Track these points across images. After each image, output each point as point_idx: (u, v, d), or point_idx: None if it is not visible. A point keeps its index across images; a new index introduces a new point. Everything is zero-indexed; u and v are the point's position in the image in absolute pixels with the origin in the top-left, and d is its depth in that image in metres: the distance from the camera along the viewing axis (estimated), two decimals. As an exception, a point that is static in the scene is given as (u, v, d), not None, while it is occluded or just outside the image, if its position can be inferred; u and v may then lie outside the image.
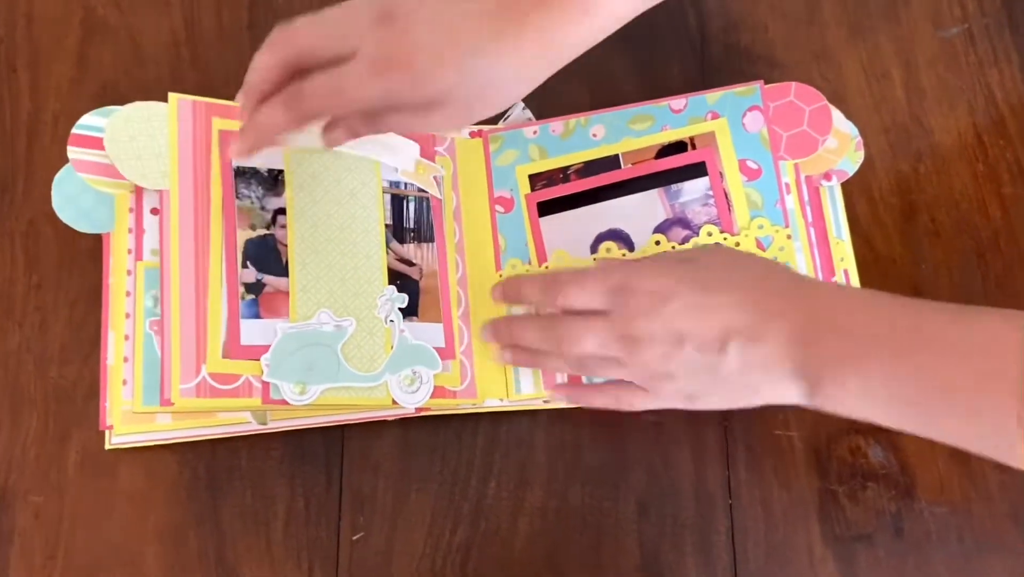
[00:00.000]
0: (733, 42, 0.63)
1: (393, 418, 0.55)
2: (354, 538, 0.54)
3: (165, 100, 0.60)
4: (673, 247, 0.56)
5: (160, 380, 0.50)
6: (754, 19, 0.64)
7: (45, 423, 0.55)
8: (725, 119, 0.58)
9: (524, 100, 0.62)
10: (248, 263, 0.52)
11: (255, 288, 0.52)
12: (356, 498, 0.55)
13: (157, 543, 0.54)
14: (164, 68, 0.61)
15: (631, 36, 0.62)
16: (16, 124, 0.60)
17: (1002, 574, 0.54)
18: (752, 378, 0.47)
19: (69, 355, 0.56)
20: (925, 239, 0.59)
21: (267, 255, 0.53)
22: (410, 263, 0.56)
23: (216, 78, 0.61)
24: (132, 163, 0.52)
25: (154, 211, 0.53)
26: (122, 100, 0.60)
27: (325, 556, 0.54)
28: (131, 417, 0.52)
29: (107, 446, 0.54)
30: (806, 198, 0.58)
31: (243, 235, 0.53)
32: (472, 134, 0.60)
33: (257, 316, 0.52)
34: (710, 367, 0.47)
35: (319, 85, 0.44)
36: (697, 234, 0.56)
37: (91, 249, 0.57)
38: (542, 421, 0.56)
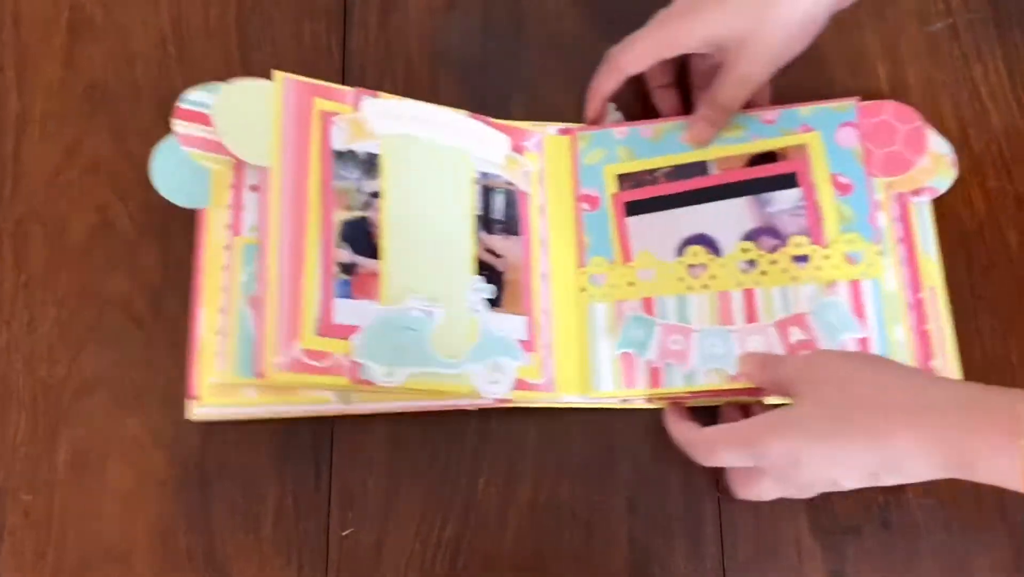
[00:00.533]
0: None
1: (471, 408, 0.55)
2: (344, 534, 0.55)
3: (154, 100, 0.61)
4: (761, 255, 0.56)
5: (253, 354, 0.51)
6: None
7: (34, 422, 0.55)
8: (818, 133, 0.58)
9: (509, 96, 0.62)
10: (343, 243, 0.53)
11: (349, 268, 0.53)
12: (346, 494, 0.55)
13: (146, 541, 0.54)
14: (152, 66, 0.61)
15: (616, 33, 0.63)
16: (4, 123, 0.60)
17: (989, 566, 0.55)
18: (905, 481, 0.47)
19: (57, 354, 0.56)
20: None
21: (361, 237, 0.53)
22: (497, 254, 0.56)
23: (204, 76, 0.61)
24: (238, 138, 0.52)
25: (254, 188, 0.54)
26: (110, 99, 0.60)
27: (315, 552, 0.54)
28: (218, 389, 0.53)
29: (189, 416, 0.53)
30: (896, 215, 0.58)
31: (339, 216, 0.53)
32: (561, 131, 0.61)
33: (349, 296, 0.52)
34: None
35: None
36: (786, 244, 0.56)
37: (79, 249, 0.58)
38: (531, 416, 0.57)
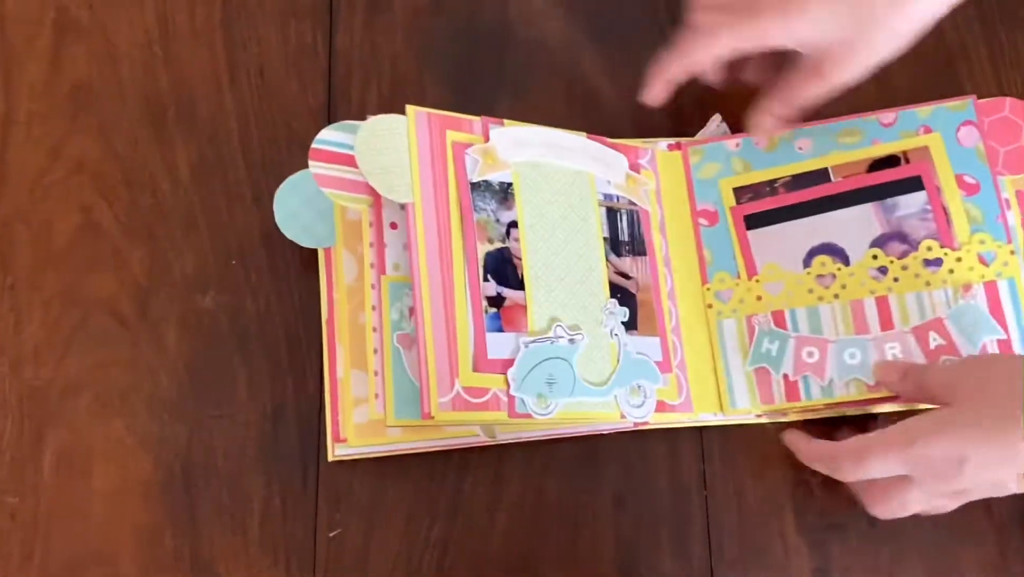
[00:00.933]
0: (705, 38, 0.64)
1: (610, 432, 0.56)
2: (331, 535, 0.54)
3: (140, 100, 0.61)
4: (891, 261, 0.56)
5: (415, 393, 0.50)
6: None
7: (20, 424, 0.55)
8: (939, 133, 0.57)
9: (495, 97, 0.62)
10: (488, 276, 0.52)
11: (496, 301, 0.52)
12: (333, 495, 0.55)
13: (133, 543, 0.54)
14: (138, 67, 0.61)
15: (602, 34, 0.63)
16: (-11, 124, 0.59)
17: (974, 563, 0.55)
18: None
19: (43, 356, 0.56)
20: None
21: (504, 268, 0.53)
22: (627, 276, 0.56)
23: (189, 77, 0.61)
24: (381, 176, 0.52)
25: (393, 225, 0.53)
26: (95, 99, 0.60)
27: (302, 554, 0.54)
28: (365, 430, 0.53)
29: (331, 457, 0.54)
30: None
31: (482, 249, 0.53)
32: (671, 147, 0.60)
33: (500, 329, 0.52)
34: None
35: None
36: (916, 249, 0.56)
37: (64, 250, 0.57)
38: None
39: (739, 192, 0.59)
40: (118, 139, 0.59)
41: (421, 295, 0.50)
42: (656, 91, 0.57)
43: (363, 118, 0.53)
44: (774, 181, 0.59)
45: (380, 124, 0.52)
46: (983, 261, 0.55)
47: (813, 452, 0.52)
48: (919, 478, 0.48)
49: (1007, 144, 0.57)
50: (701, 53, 0.54)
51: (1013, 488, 0.47)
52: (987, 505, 0.55)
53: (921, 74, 0.62)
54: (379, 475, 0.55)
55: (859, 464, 0.49)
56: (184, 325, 0.57)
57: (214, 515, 0.54)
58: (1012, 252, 0.55)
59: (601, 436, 0.56)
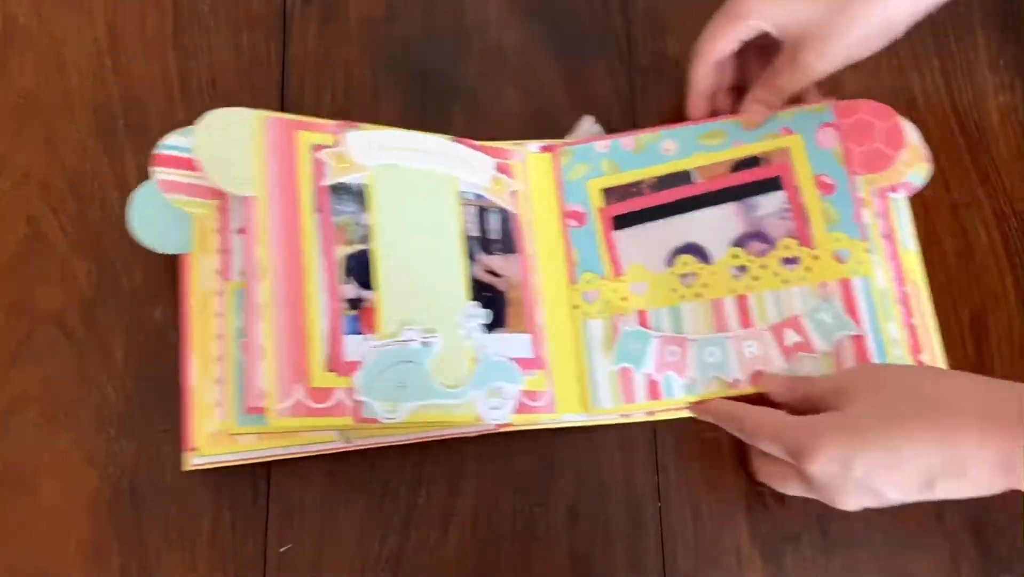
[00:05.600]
0: (660, 49, 0.64)
1: (474, 435, 0.55)
2: (282, 551, 0.54)
3: (88, 110, 0.60)
4: (751, 260, 0.57)
5: (249, 401, 0.49)
6: (682, 26, 0.64)
7: (-37, 439, 0.54)
8: (799, 135, 0.58)
9: (450, 106, 0.62)
10: (348, 278, 0.52)
11: (356, 303, 0.52)
12: (284, 510, 0.54)
13: (79, 560, 0.53)
14: (87, 77, 0.60)
15: (559, 44, 0.63)
16: (-67, 135, 0.58)
17: (927, 572, 0.55)
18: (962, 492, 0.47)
19: (-13, 370, 0.55)
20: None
21: (365, 270, 0.52)
22: (497, 274, 0.56)
23: (140, 87, 0.60)
24: (220, 168, 0.51)
25: (240, 231, 0.52)
26: (42, 109, 0.59)
27: (252, 570, 0.53)
28: (215, 438, 0.52)
29: (186, 468, 0.53)
30: (879, 211, 0.58)
31: (342, 250, 0.52)
32: (542, 149, 0.60)
33: (359, 332, 0.51)
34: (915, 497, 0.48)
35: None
36: (775, 247, 0.57)
37: (9, 262, 0.57)
38: (471, 428, 0.56)
39: (608, 193, 0.59)
40: (66, 150, 0.59)
41: (260, 300, 0.49)
42: (695, 106, 0.59)
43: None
44: (640, 182, 0.59)
45: (221, 116, 0.52)
46: (839, 259, 0.56)
47: (717, 404, 0.54)
48: (801, 477, 0.49)
49: (863, 144, 0.58)
50: (708, 51, 0.57)
51: (895, 497, 0.47)
52: (939, 514, 0.56)
53: (875, 84, 0.63)
54: (331, 488, 0.55)
55: (753, 437, 0.51)
56: (132, 338, 0.56)
57: (162, 531, 0.53)
58: (867, 250, 0.56)
59: (555, 448, 0.56)
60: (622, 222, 0.59)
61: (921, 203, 0.61)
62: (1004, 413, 0.44)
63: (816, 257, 0.56)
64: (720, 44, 0.57)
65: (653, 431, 0.57)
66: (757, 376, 0.55)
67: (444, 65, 0.63)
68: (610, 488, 0.56)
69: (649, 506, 0.56)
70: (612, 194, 0.59)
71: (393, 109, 0.61)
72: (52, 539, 0.53)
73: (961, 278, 0.60)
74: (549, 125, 0.62)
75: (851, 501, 0.49)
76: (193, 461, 0.53)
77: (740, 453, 0.56)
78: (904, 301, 0.57)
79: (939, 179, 0.61)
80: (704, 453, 0.56)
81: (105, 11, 0.62)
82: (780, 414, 0.51)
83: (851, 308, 0.55)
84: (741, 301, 0.57)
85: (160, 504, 0.54)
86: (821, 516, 0.55)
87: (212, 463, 0.53)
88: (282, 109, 0.61)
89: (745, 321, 0.56)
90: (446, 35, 0.64)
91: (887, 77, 0.64)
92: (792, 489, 0.52)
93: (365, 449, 0.55)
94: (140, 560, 0.53)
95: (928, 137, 0.60)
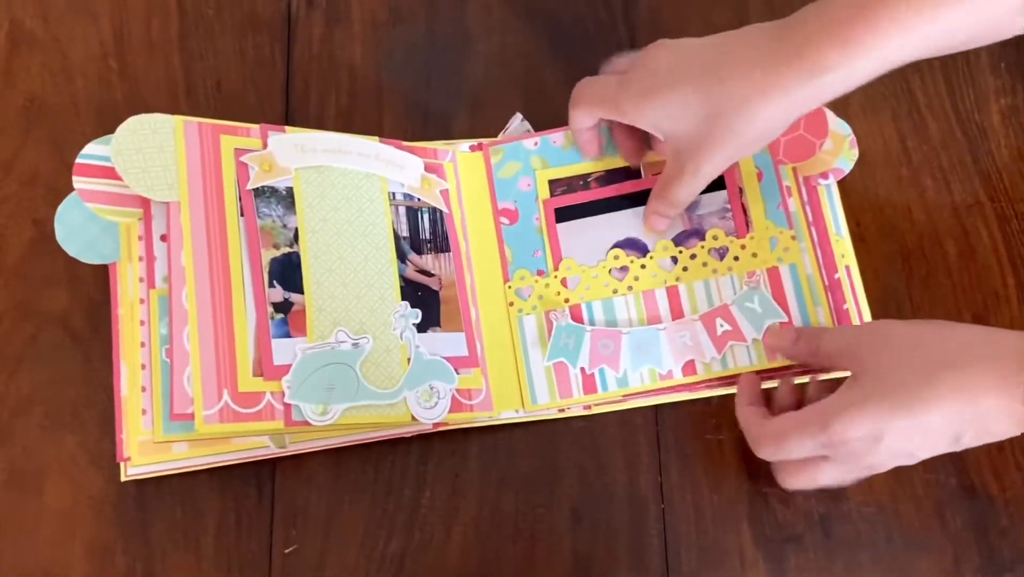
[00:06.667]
0: (663, 51, 0.64)
1: (411, 435, 0.55)
2: (286, 551, 0.54)
3: (94, 113, 0.60)
4: (680, 251, 0.57)
5: (176, 407, 0.49)
6: (685, 30, 0.64)
7: (-31, 441, 0.54)
8: None
9: (453, 110, 0.62)
10: (275, 282, 0.52)
11: (283, 307, 0.52)
12: (288, 510, 0.55)
13: (85, 560, 0.53)
14: (92, 80, 0.61)
15: (562, 47, 0.63)
16: (-60, 138, 0.59)
17: (929, 573, 0.55)
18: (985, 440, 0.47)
19: (-6, 371, 0.55)
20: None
21: (292, 273, 0.52)
22: (429, 273, 0.56)
23: (145, 89, 0.61)
24: (139, 175, 0.51)
25: (163, 238, 0.52)
26: (49, 112, 0.60)
27: (257, 570, 0.54)
28: (149, 448, 0.52)
29: (123, 478, 0.53)
30: (805, 199, 0.59)
31: (267, 254, 0.52)
32: (472, 148, 0.60)
33: (288, 335, 0.51)
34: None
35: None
36: (703, 239, 0.58)
37: (16, 264, 0.57)
38: (474, 429, 0.56)
39: (554, 185, 0.59)
40: (72, 152, 0.58)
41: (184, 305, 0.49)
42: (581, 143, 0.58)
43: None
44: (588, 176, 0.59)
45: (139, 123, 0.52)
46: (767, 248, 0.57)
47: (743, 424, 0.53)
48: (835, 457, 0.49)
49: (788, 133, 0.58)
50: (575, 120, 0.56)
51: (925, 455, 0.48)
52: (941, 514, 0.56)
53: (875, 86, 0.63)
54: (335, 489, 0.55)
55: (778, 448, 0.50)
56: (138, 340, 0.56)
57: (167, 532, 0.54)
58: (793, 237, 0.57)
59: (558, 449, 0.56)
60: (564, 215, 0.59)
61: (923, 206, 0.61)
62: (1015, 358, 0.44)
63: (743, 246, 0.57)
64: (587, 122, 0.57)
65: (656, 432, 0.57)
66: (689, 367, 0.56)
67: (447, 67, 0.63)
68: (613, 489, 0.56)
69: (652, 507, 0.56)
70: (559, 186, 0.59)
71: (397, 111, 0.62)
72: (58, 540, 0.53)
73: (963, 279, 0.60)
74: (552, 128, 0.62)
75: (886, 465, 0.49)
76: (129, 471, 0.53)
77: (743, 454, 0.56)
78: (834, 288, 0.57)
79: (941, 181, 0.62)
80: (707, 454, 0.57)
81: (111, 14, 0.62)
82: (793, 413, 0.50)
83: (779, 295, 0.56)
84: (672, 292, 0.57)
85: (166, 505, 0.54)
86: (824, 517, 0.56)
87: (147, 473, 0.53)
88: (287, 111, 0.61)
89: (676, 312, 0.57)
90: (449, 38, 0.64)
91: (888, 79, 0.63)
92: (826, 477, 0.50)
93: (368, 451, 0.56)
94: (145, 561, 0.53)
95: (930, 139, 0.60)
